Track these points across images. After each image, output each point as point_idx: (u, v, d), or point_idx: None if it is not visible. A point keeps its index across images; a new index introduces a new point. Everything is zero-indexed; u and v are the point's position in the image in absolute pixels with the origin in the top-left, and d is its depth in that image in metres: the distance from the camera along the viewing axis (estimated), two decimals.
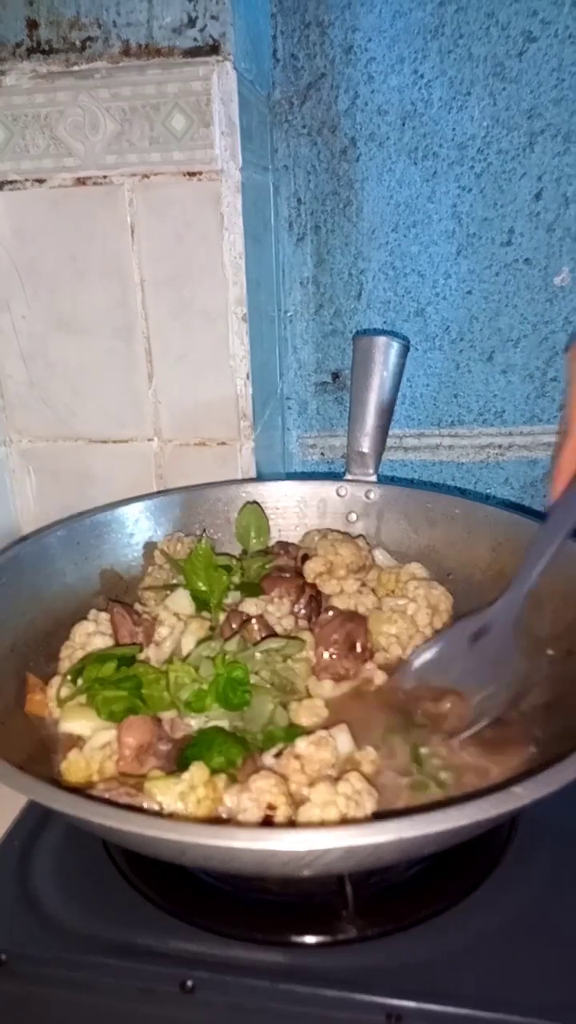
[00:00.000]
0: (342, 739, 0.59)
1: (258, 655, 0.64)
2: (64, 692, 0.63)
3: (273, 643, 0.65)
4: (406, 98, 0.93)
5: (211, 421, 0.88)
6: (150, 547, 0.83)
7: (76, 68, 0.76)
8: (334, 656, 0.67)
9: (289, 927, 0.50)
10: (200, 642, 0.66)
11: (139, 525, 0.83)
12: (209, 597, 0.72)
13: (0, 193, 0.81)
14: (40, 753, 0.60)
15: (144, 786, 0.53)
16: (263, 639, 0.66)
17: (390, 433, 0.87)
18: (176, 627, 0.69)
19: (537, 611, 0.69)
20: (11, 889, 0.54)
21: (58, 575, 0.74)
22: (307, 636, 0.70)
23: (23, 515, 0.96)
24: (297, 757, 0.54)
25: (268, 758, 0.56)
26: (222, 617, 0.70)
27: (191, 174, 0.78)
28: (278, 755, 0.55)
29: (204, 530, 0.85)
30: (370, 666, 0.69)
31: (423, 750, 0.60)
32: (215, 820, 0.52)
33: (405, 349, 0.84)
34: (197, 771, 0.52)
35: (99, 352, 0.86)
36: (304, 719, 0.62)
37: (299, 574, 0.78)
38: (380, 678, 0.68)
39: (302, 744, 0.54)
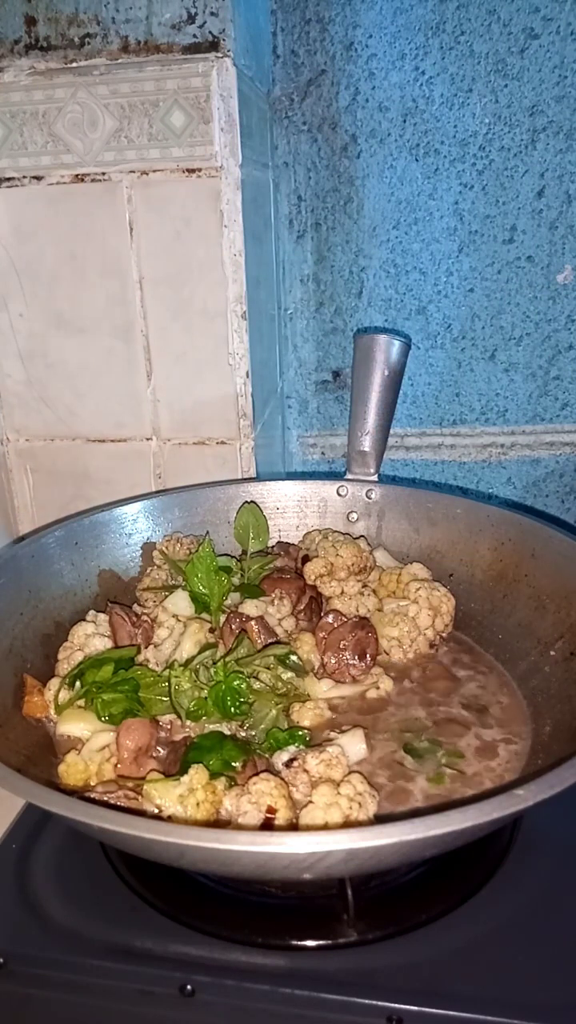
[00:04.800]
0: (356, 746, 0.58)
1: (259, 660, 0.63)
2: (63, 696, 0.63)
3: (277, 650, 0.65)
4: (407, 95, 0.93)
5: (210, 420, 0.87)
6: (149, 548, 0.82)
7: (75, 65, 0.76)
8: (341, 662, 0.67)
9: (289, 930, 0.50)
10: (203, 648, 0.66)
11: (137, 525, 0.82)
12: (209, 600, 0.72)
13: None
14: (38, 755, 0.59)
15: (143, 789, 0.53)
16: (266, 646, 0.66)
17: (391, 432, 0.87)
18: (175, 629, 0.69)
19: (539, 611, 0.69)
20: (10, 891, 0.53)
21: (56, 576, 0.73)
22: (307, 637, 0.70)
23: (20, 515, 0.95)
24: (306, 771, 0.53)
25: (279, 764, 0.56)
26: (222, 619, 0.70)
27: (190, 171, 0.77)
28: (289, 764, 0.55)
29: (207, 532, 0.84)
30: (377, 671, 0.68)
31: (425, 742, 0.60)
32: (215, 823, 0.51)
33: (406, 347, 0.84)
34: (196, 774, 0.52)
35: (97, 351, 0.86)
36: (307, 721, 0.62)
37: (299, 575, 0.78)
38: (386, 684, 0.67)
39: (313, 762, 0.53)
